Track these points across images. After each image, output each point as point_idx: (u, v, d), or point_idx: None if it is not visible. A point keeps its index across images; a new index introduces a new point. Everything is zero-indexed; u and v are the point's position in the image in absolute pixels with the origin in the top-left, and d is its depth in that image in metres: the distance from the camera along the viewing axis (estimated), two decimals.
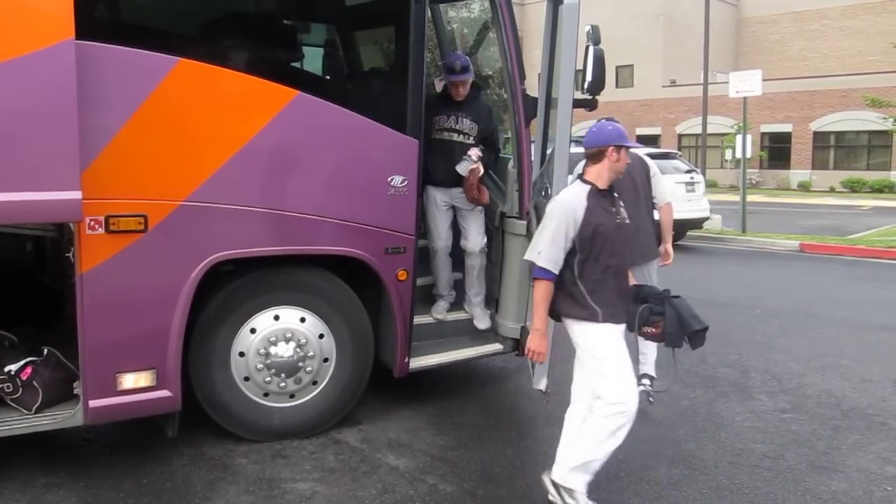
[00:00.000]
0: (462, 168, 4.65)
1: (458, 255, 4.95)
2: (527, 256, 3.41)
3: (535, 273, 3.33)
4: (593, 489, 3.66)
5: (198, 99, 3.60)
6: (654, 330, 3.37)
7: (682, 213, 13.35)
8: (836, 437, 4.41)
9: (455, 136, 4.76)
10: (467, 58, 4.79)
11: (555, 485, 3.42)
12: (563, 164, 3.91)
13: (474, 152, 4.66)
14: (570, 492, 3.38)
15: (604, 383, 3.29)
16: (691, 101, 32.37)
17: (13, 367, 3.68)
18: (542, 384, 4.11)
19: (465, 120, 4.77)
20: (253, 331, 3.99)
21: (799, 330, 6.94)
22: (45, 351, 3.85)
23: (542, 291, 3.29)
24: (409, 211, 4.20)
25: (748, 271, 10.88)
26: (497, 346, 4.90)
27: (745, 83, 14.26)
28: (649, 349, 4.90)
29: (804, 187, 31.42)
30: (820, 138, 32.64)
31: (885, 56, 30.77)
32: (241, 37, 4.20)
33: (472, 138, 4.74)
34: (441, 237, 4.88)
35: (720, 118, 30.19)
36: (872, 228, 15.77)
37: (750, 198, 16.30)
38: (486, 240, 4.85)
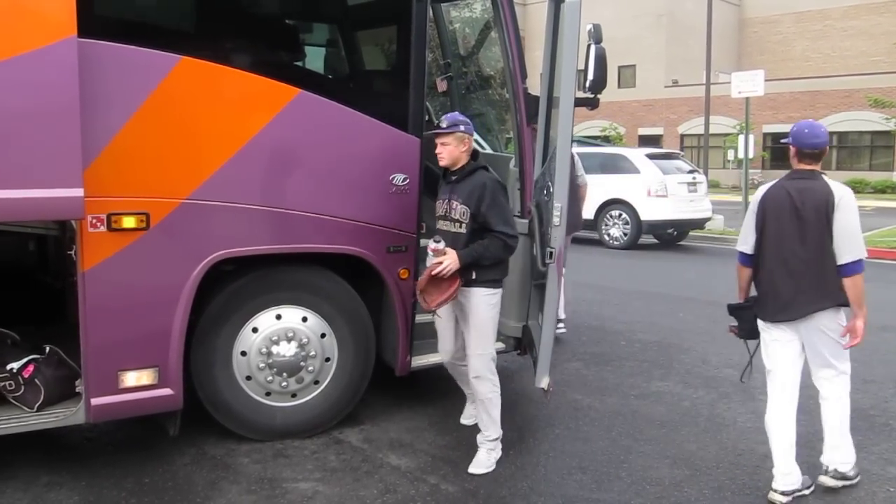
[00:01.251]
0: (429, 262, 3.84)
1: None
2: (857, 255, 3.43)
3: (861, 268, 3.44)
4: (594, 489, 3.67)
5: (200, 97, 3.60)
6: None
7: (684, 213, 13.41)
8: None
9: (448, 226, 3.84)
10: (458, 115, 3.86)
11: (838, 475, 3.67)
12: (564, 163, 3.90)
13: (431, 245, 3.79)
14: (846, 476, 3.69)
15: (846, 359, 3.62)
16: (693, 102, 32.36)
17: (15, 365, 3.69)
18: (544, 383, 4.10)
19: (456, 203, 3.79)
20: (255, 330, 3.99)
21: None
22: (47, 349, 3.85)
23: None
24: (411, 209, 4.20)
25: None
26: (499, 345, 4.87)
27: (748, 83, 14.26)
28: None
29: None
30: None
31: (888, 56, 30.79)
32: (242, 35, 4.20)
33: (464, 226, 3.75)
34: (444, 343, 4.09)
35: (722, 118, 30.19)
36: (875, 229, 15.72)
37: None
38: (489, 364, 3.85)
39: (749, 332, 3.80)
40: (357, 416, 4.45)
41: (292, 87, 3.83)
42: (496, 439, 3.93)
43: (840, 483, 3.66)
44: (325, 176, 3.98)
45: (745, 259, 3.75)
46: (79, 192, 3.15)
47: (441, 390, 5.03)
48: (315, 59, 4.91)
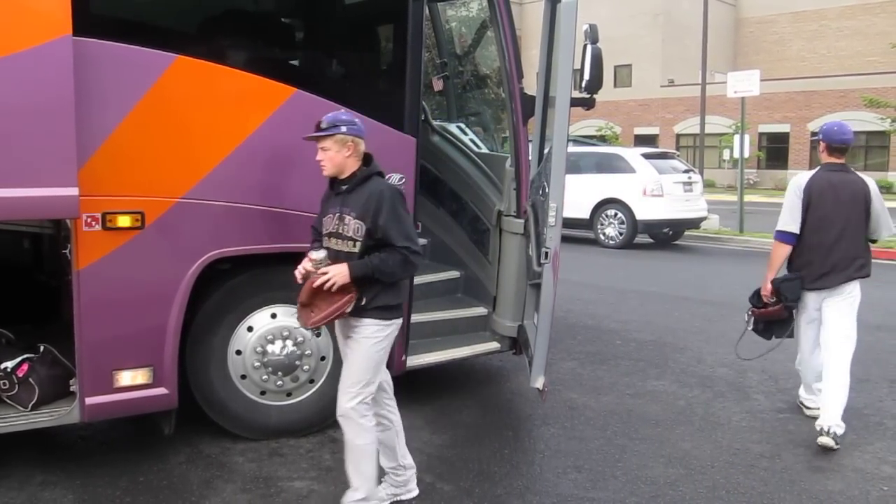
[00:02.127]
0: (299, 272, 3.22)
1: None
2: (893, 230, 4.43)
3: None
4: (590, 488, 3.67)
5: (195, 96, 3.59)
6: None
7: (680, 212, 13.43)
8: None
9: (340, 245, 3.19)
10: (342, 114, 3.26)
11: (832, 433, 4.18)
12: (560, 163, 3.90)
13: (311, 254, 3.18)
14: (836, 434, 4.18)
15: (854, 325, 4.41)
16: (689, 101, 32.40)
17: (9, 364, 3.68)
18: (539, 383, 4.11)
19: (349, 218, 3.16)
20: (250, 329, 3.99)
21: None
22: (42, 348, 3.84)
23: None
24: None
25: (745, 271, 10.87)
26: (494, 345, 4.90)
27: (744, 83, 14.28)
28: None
29: None
30: None
31: (884, 57, 30.85)
32: (238, 34, 4.19)
33: (358, 244, 3.14)
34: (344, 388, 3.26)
35: (718, 118, 30.24)
36: None
37: (747, 198, 16.32)
38: (360, 407, 3.20)
39: (796, 300, 4.48)
40: None
41: (288, 87, 3.82)
42: (363, 500, 3.23)
43: (835, 442, 4.14)
44: (321, 175, 3.97)
45: (791, 238, 4.43)
46: (74, 191, 3.14)
47: (436, 389, 5.04)
48: (311, 57, 4.89)
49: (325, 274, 3.07)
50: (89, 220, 3.36)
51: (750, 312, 4.64)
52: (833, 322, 4.36)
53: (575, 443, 4.26)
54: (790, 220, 4.41)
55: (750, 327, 4.63)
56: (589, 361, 5.89)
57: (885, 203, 4.34)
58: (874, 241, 4.49)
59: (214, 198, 3.66)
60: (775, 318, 4.54)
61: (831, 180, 4.32)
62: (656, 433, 4.42)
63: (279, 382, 4.06)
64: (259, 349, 3.99)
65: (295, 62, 4.75)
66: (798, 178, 4.49)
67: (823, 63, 36.82)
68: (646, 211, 12.87)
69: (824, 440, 4.13)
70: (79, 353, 3.48)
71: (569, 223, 9.27)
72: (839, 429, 4.17)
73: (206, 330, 3.87)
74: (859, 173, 4.39)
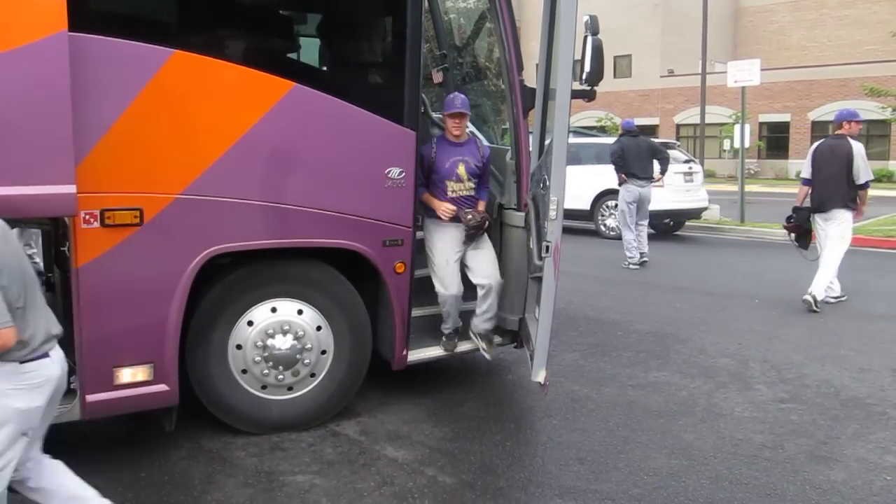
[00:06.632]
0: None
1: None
2: (869, 177, 7.29)
3: (869, 185, 7.36)
4: (592, 480, 3.67)
5: (193, 91, 3.57)
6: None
7: (681, 203, 13.38)
8: (835, 426, 4.41)
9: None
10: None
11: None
12: (561, 155, 3.88)
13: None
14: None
15: (845, 236, 7.40)
16: (689, 91, 32.31)
17: None
18: (540, 376, 4.10)
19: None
20: (250, 323, 3.98)
21: (798, 320, 6.94)
22: None
23: None
24: (407, 203, 4.18)
25: (746, 261, 10.87)
26: (496, 339, 4.88)
27: (744, 73, 14.22)
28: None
29: None
30: (818, 128, 32.58)
31: (884, 45, 30.76)
32: (236, 27, 4.17)
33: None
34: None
35: (718, 108, 30.16)
36: (871, 218, 15.73)
37: (748, 187, 16.27)
38: None
39: (803, 222, 7.42)
40: (354, 409, 4.45)
41: (287, 81, 3.80)
42: None
43: (814, 303, 7.16)
44: (321, 170, 3.96)
45: (807, 182, 7.39)
46: (71, 188, 3.13)
47: (438, 382, 5.04)
48: (310, 51, 4.88)
49: None
50: (87, 217, 3.34)
51: (784, 227, 7.76)
52: (829, 232, 7.24)
53: (577, 434, 4.26)
54: (804, 171, 7.42)
55: (791, 237, 7.68)
56: (590, 353, 5.88)
57: (866, 160, 7.16)
58: (863, 186, 7.18)
59: (213, 193, 3.64)
60: (796, 231, 7.49)
61: (830, 144, 7.29)
62: (658, 424, 4.41)
63: (280, 377, 4.05)
64: (259, 343, 3.98)
65: (293, 56, 4.74)
66: (813, 145, 7.50)
67: (824, 52, 36.69)
68: None
69: (807, 298, 7.15)
70: (79, 351, 3.47)
71: (569, 214, 9.24)
72: (820, 296, 7.20)
73: (206, 325, 3.87)
74: (852, 140, 7.14)
